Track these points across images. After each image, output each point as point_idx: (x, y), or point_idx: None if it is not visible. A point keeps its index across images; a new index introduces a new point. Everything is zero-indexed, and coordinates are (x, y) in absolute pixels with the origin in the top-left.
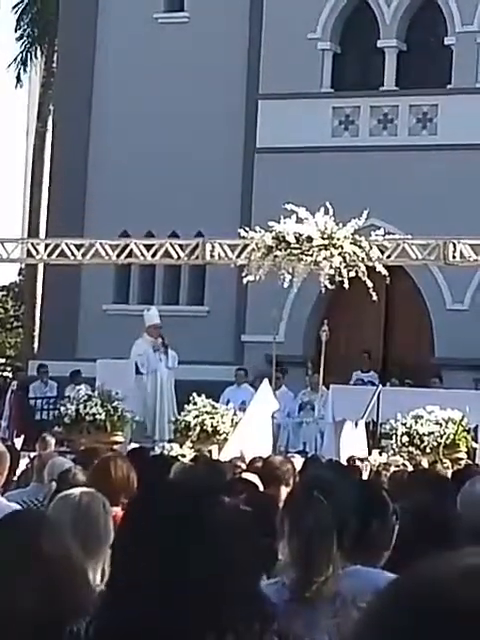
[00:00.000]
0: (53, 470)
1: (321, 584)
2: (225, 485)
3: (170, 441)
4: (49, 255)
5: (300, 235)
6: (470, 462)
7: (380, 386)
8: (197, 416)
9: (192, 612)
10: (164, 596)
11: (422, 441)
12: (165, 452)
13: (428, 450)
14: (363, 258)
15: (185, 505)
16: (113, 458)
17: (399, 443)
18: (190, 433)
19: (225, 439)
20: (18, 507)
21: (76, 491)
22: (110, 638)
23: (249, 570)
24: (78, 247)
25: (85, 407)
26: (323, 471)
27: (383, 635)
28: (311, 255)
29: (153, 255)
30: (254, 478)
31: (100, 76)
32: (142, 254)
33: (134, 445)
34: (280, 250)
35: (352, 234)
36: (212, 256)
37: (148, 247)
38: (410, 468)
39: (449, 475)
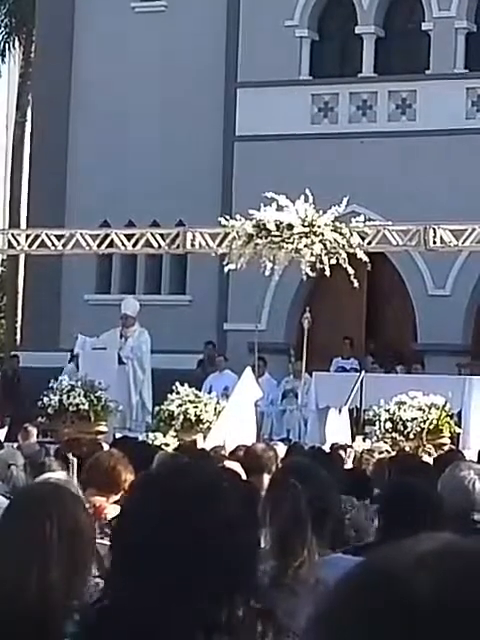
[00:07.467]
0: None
1: (297, 568)
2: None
3: (152, 431)
4: (30, 246)
5: (281, 223)
6: (453, 447)
7: (363, 372)
8: (180, 405)
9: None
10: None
11: (405, 427)
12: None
13: (412, 436)
14: (344, 245)
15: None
16: (106, 451)
17: (383, 429)
18: (173, 422)
19: (209, 428)
20: (6, 501)
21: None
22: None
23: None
24: (59, 237)
25: (68, 397)
26: (301, 458)
27: (336, 628)
28: (292, 243)
29: (134, 245)
30: (236, 467)
31: (78, 66)
32: (123, 244)
33: (118, 434)
34: (261, 238)
35: (332, 221)
36: (193, 245)
37: (129, 237)
38: (393, 454)
39: (431, 461)
